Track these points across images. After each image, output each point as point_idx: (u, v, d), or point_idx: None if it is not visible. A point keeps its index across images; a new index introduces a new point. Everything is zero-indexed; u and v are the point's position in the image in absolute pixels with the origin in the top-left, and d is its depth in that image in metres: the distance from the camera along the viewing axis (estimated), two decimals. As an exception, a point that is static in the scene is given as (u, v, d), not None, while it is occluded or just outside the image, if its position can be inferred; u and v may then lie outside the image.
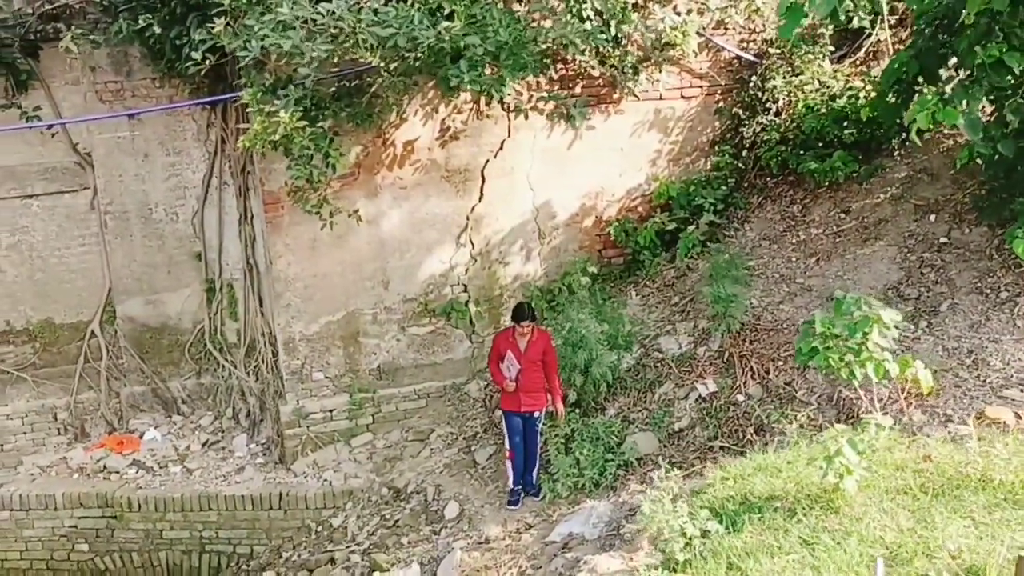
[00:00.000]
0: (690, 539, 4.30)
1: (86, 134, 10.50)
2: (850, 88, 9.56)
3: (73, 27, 9.67)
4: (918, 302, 7.46)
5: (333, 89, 8.97)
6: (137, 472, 10.05)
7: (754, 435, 6.99)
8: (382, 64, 7.70)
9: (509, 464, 8.19)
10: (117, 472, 10.07)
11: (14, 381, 10.72)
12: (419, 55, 7.57)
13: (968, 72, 6.58)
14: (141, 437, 10.67)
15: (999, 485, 4.46)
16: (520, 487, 8.16)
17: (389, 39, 7.05)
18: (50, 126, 10.29)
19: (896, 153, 9.11)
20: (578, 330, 8.32)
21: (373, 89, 8.82)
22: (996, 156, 6.88)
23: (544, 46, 8.04)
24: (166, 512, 9.54)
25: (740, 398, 7.53)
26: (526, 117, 8.78)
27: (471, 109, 9.80)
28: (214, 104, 10.22)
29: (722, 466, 5.54)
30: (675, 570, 4.13)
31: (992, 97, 6.70)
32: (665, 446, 7.77)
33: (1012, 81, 6.33)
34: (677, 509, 4.41)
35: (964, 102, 6.18)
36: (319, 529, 9.12)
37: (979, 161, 7.36)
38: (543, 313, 10.05)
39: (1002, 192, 7.29)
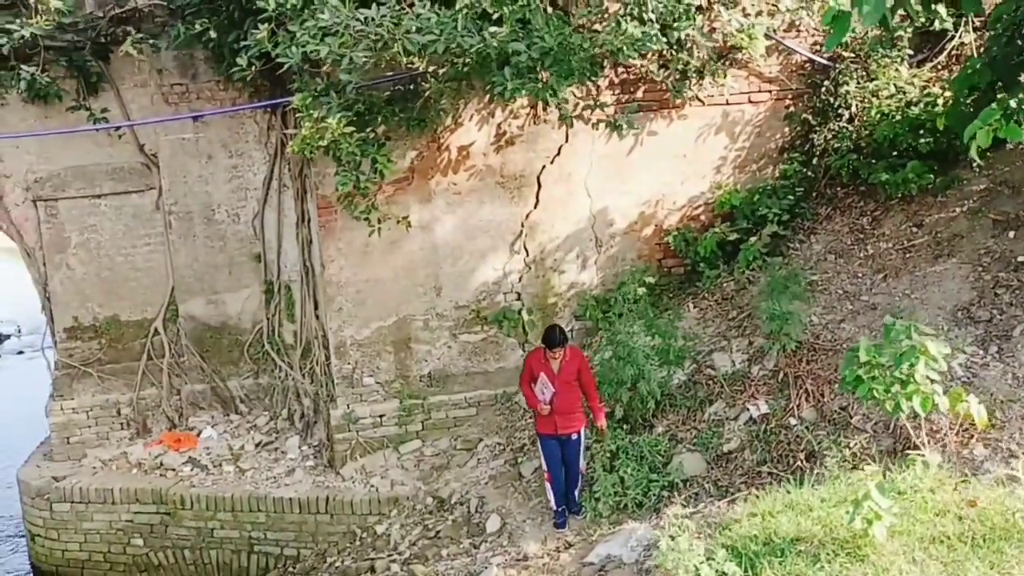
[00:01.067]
0: (706, 582, 4.03)
1: (152, 135, 10.71)
2: (928, 94, 9.01)
3: (134, 32, 9.86)
4: (989, 325, 6.95)
5: (387, 94, 8.92)
6: (192, 470, 10.20)
7: (804, 462, 6.62)
8: (429, 70, 7.57)
9: (549, 486, 7.94)
10: (173, 469, 10.24)
11: (80, 376, 11.01)
12: (467, 60, 7.43)
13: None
14: (199, 435, 10.84)
15: (1049, 541, 4.04)
16: (564, 508, 7.92)
17: (429, 46, 6.92)
18: (117, 128, 10.52)
19: (975, 164, 8.51)
20: (626, 344, 8.04)
21: (427, 94, 8.72)
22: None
23: (593, 52, 7.77)
24: (216, 511, 9.65)
25: (793, 421, 7.16)
26: (570, 125, 8.54)
27: (528, 114, 9.61)
28: (274, 107, 10.29)
29: (752, 501, 5.22)
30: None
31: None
32: (712, 468, 7.45)
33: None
34: (693, 547, 4.15)
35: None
36: (363, 536, 9.08)
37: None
38: (597, 323, 9.82)
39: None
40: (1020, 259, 7.43)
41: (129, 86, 10.66)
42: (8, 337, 22.14)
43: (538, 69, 7.33)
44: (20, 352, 20.68)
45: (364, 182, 8.27)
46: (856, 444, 6.37)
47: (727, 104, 10.05)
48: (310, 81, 8.29)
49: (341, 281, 9.61)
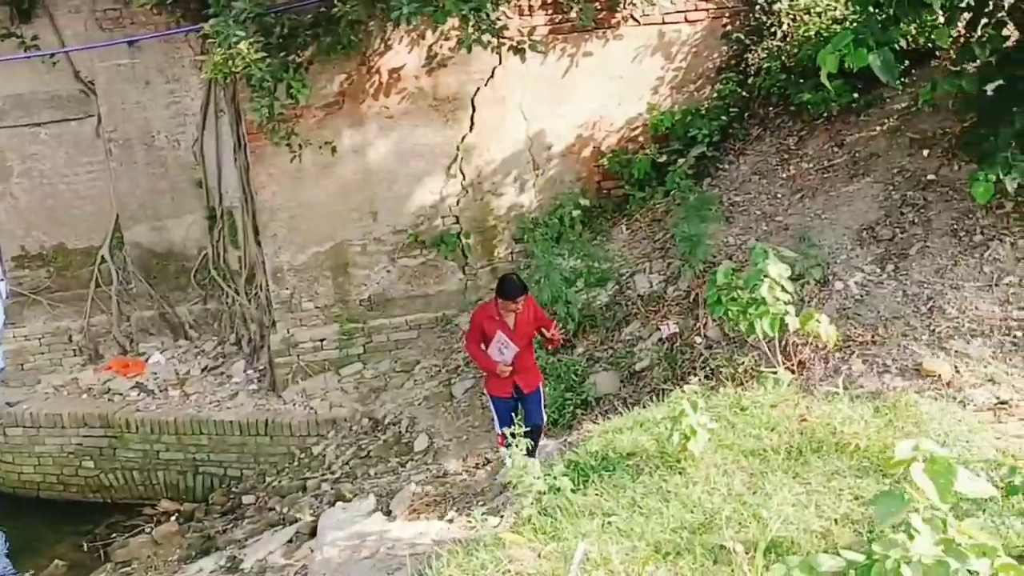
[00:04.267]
0: (540, 495, 4.20)
1: (88, 62, 10.62)
2: (854, 11, 8.87)
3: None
4: (890, 243, 7.03)
5: (310, 17, 8.84)
6: (138, 395, 10.42)
7: (703, 379, 6.77)
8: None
9: (505, 452, 6.51)
10: (120, 394, 10.47)
11: (30, 304, 11.17)
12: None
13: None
14: (148, 360, 11.04)
15: (854, 451, 4.17)
16: None
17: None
18: (51, 55, 10.43)
19: (899, 82, 8.46)
20: (545, 267, 8.14)
21: (351, 16, 8.65)
22: (972, 92, 6.38)
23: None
24: (161, 434, 9.90)
25: (698, 340, 7.30)
26: (469, 50, 8.49)
27: (459, 36, 9.51)
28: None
29: (608, 418, 5.40)
30: (515, 526, 4.06)
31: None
32: (624, 386, 7.63)
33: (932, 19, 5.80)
34: (528, 464, 4.32)
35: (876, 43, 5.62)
36: (302, 456, 9.34)
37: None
38: (536, 245, 9.88)
39: (981, 128, 6.74)
40: (930, 178, 7.46)
41: (63, 12, 10.54)
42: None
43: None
44: None
45: (279, 108, 8.24)
46: (749, 361, 6.52)
47: (663, 24, 9.97)
48: (225, 6, 8.18)
49: (274, 207, 9.68)
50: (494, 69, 9.74)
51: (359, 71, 9.45)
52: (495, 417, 6.93)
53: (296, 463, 9.33)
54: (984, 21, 6.53)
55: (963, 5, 6.42)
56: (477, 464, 7.80)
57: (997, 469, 3.78)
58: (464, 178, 10.01)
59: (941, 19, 6.71)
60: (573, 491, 4.11)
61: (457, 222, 10.13)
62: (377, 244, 10.01)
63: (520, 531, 3.86)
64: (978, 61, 6.64)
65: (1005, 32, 6.78)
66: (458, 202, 10.07)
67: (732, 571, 3.35)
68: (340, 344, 10.08)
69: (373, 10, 8.25)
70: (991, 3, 6.49)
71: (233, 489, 9.66)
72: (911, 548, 2.30)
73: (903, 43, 8.12)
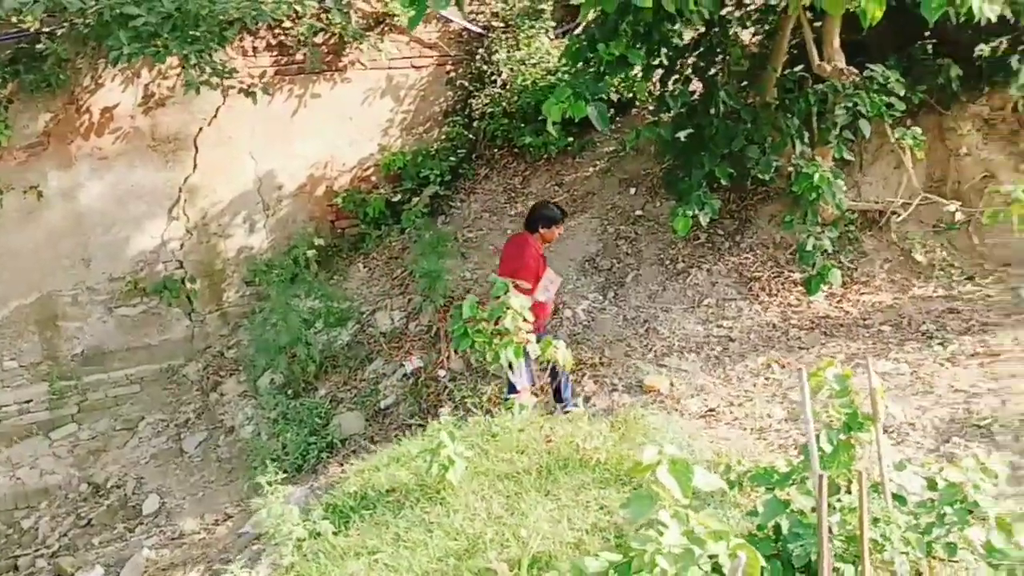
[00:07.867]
0: (300, 542, 4.12)
1: None
2: (565, 64, 9.67)
3: None
4: (609, 273, 7.69)
5: (9, 53, 8.11)
6: None
7: (451, 412, 6.96)
8: (44, 31, 7.00)
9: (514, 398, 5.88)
10: None
11: None
12: (88, 22, 6.93)
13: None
14: None
15: (596, 465, 4.56)
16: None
17: (25, 5, 6.36)
18: None
19: (604, 129, 9.32)
20: (281, 309, 7.99)
21: (59, 53, 8.06)
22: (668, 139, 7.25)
23: (220, 18, 7.52)
24: None
25: (441, 373, 7.51)
26: (197, 92, 8.33)
27: (178, 74, 9.15)
28: None
29: (363, 457, 5.45)
30: (275, 576, 3.97)
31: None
32: (370, 425, 7.64)
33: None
34: (285, 512, 4.23)
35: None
36: (9, 532, 8.35)
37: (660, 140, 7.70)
38: (271, 286, 9.63)
39: (678, 170, 7.63)
40: (638, 213, 8.27)
41: None
42: None
43: (160, 34, 6.98)
44: None
45: (-24, 150, 7.48)
46: (492, 391, 6.81)
47: (390, 68, 10.20)
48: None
49: (-32, 257, 8.67)
50: (218, 109, 9.46)
51: (67, 110, 8.78)
52: (520, 371, 5.84)
53: (3, 540, 8.32)
54: (675, 77, 7.40)
55: (656, 63, 7.24)
56: (217, 520, 7.42)
57: (716, 468, 4.27)
58: (188, 220, 9.58)
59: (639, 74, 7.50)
60: (335, 534, 4.06)
61: (181, 267, 9.64)
62: (91, 293, 9.27)
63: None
64: (672, 111, 7.49)
65: (692, 87, 7.72)
66: (182, 246, 9.60)
67: (499, 591, 3.50)
68: (50, 404, 9.16)
69: (83, 48, 7.70)
70: (679, 63, 7.39)
71: (-75, 580, 8.42)
72: (663, 541, 2.58)
73: (611, 95, 9.00)
